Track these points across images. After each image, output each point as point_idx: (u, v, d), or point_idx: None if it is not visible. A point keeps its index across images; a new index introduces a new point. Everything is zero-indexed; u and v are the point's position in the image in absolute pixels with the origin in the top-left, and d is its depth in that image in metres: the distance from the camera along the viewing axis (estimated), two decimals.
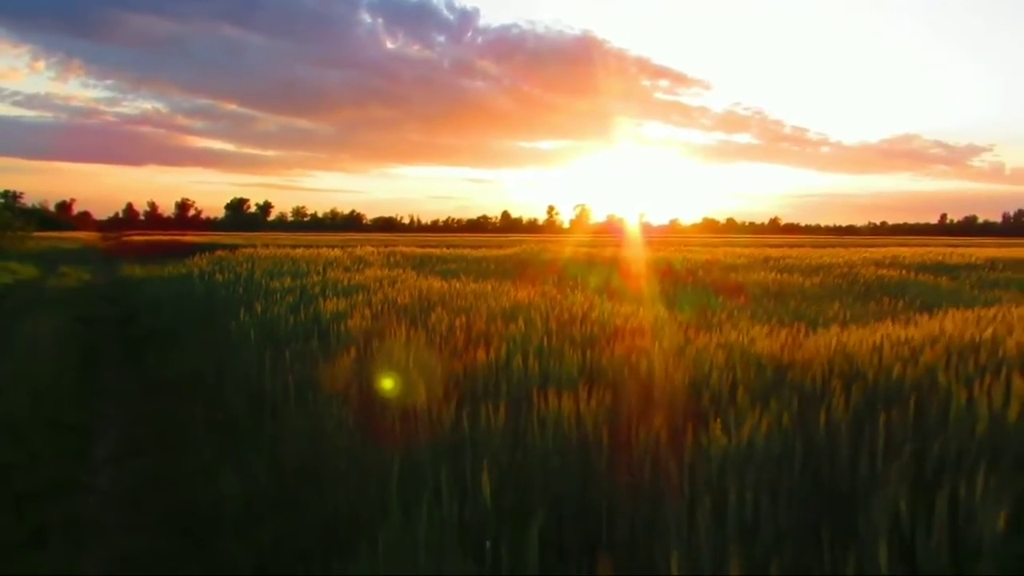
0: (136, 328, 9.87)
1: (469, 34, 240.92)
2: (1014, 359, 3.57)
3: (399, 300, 6.62)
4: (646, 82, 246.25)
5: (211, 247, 19.29)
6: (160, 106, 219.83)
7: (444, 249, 17.15)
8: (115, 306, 12.58)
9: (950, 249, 20.00)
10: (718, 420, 2.58)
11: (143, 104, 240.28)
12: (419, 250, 16.55)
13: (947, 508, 1.98)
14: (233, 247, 17.12)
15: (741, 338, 4.28)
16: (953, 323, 4.93)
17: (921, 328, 4.59)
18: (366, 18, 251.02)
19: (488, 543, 2.20)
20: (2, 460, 4.87)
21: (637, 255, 14.53)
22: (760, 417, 2.71)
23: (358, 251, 14.71)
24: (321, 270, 10.19)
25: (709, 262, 13.14)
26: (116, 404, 6.54)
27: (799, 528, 2.09)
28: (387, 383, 3.71)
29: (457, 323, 5.26)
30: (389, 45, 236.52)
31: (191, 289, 10.28)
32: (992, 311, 5.87)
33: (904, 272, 11.60)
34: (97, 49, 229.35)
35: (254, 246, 16.70)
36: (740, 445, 2.51)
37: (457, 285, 7.96)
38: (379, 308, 6.19)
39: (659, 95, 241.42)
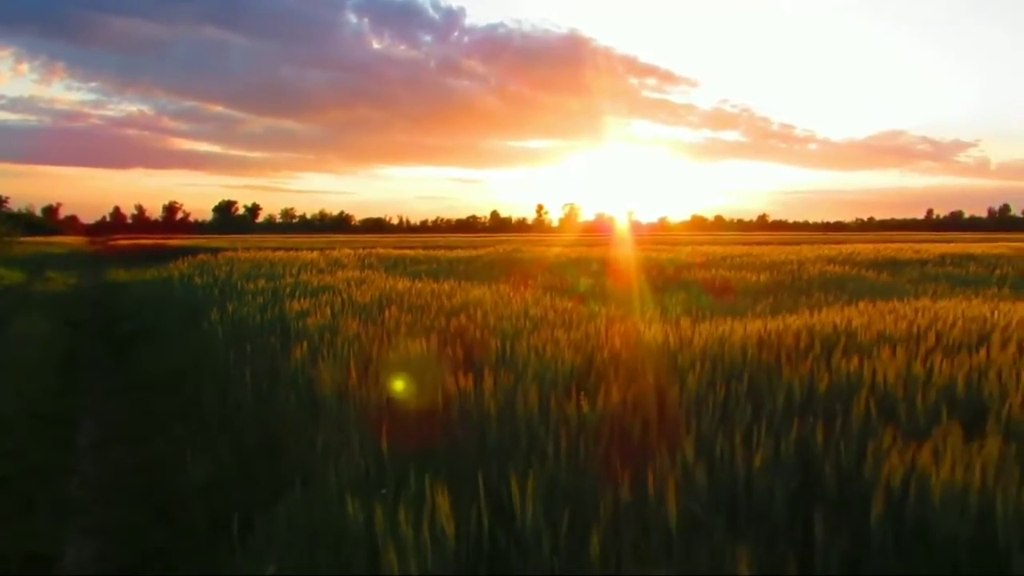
0: (120, 329, 10.40)
1: (455, 34, 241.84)
2: (864, 343, 4.20)
3: (359, 300, 7.18)
4: (633, 80, 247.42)
5: (195, 251, 19.82)
6: (145, 108, 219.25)
7: (420, 250, 17.73)
8: (100, 309, 13.12)
9: (909, 245, 20.68)
10: (582, 393, 3.18)
11: (128, 107, 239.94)
12: (395, 251, 17.13)
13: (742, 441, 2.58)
14: (216, 250, 17.66)
15: (649, 328, 4.87)
16: (849, 315, 5.54)
17: (811, 318, 5.20)
18: (351, 18, 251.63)
19: (384, 491, 2.78)
20: None
21: (601, 254, 15.14)
22: (627, 389, 3.31)
23: (335, 253, 15.28)
24: (295, 272, 10.74)
25: (671, 260, 13.77)
26: (99, 399, 7.09)
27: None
28: (325, 371, 4.29)
29: (405, 319, 5.84)
30: (375, 45, 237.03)
31: (171, 292, 10.83)
32: (898, 304, 6.52)
33: (850, 268, 12.24)
34: (80, 52, 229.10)
35: (235, 249, 17.21)
36: (598, 410, 3.11)
37: (419, 285, 8.54)
38: (339, 307, 6.76)
39: (646, 93, 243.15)
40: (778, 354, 3.66)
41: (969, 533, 2.10)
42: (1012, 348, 3.76)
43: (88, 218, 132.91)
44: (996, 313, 5.44)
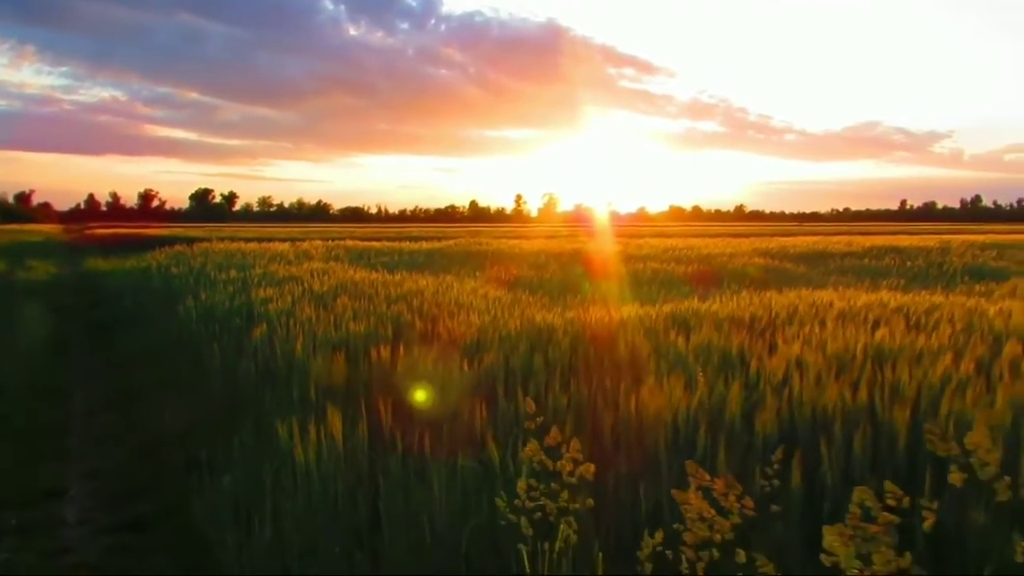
0: (102, 314, 11.39)
1: (432, 21, 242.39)
2: (693, 323, 5.34)
3: (318, 289, 8.23)
4: (612, 70, 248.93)
5: (172, 240, 20.66)
6: (119, 94, 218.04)
7: (385, 243, 18.76)
8: (83, 296, 14.10)
9: (847, 238, 22.00)
10: (465, 359, 4.28)
11: (101, 92, 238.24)
12: (362, 243, 18.19)
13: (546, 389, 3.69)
14: (193, 240, 18.58)
15: (544, 313, 5.99)
16: (722, 302, 6.70)
17: (682, 305, 6.35)
18: (328, 5, 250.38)
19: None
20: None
21: (555, 247, 16.24)
22: (497, 353, 4.43)
23: (304, 245, 16.28)
24: (264, 263, 11.75)
25: (617, 253, 14.92)
26: (88, 373, 8.10)
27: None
28: (278, 346, 5.37)
29: (353, 305, 6.91)
30: (352, 32, 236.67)
31: (150, 281, 11.84)
32: (785, 293, 7.66)
33: (775, 261, 13.46)
34: (51, 36, 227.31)
35: (211, 240, 18.13)
36: (477, 369, 4.22)
37: (374, 276, 9.61)
38: (299, 295, 7.81)
39: (624, 83, 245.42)
40: (615, 332, 4.79)
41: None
42: (809, 327, 4.90)
43: (62, 205, 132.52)
44: (845, 300, 6.61)
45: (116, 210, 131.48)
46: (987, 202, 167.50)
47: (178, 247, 16.42)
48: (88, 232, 47.51)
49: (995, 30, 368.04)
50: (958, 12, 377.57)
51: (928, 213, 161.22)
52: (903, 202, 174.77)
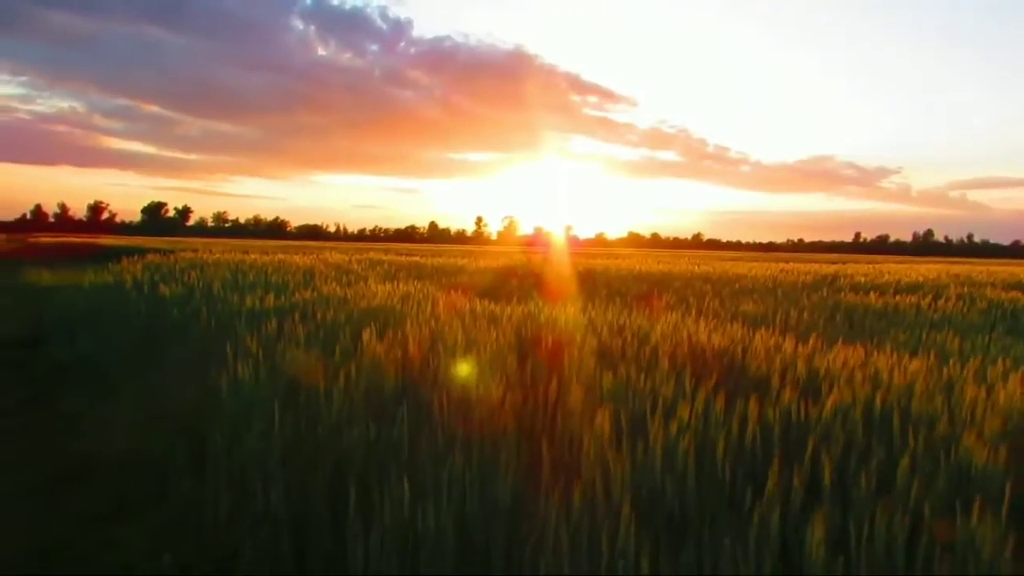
0: (43, 361, 7.08)
1: (402, 44, 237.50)
2: None
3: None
4: (575, 97, 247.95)
5: (127, 251, 16.57)
6: (77, 105, 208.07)
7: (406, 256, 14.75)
8: (14, 325, 9.59)
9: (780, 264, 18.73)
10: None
11: (59, 103, 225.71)
12: (385, 256, 14.17)
13: None
14: (148, 252, 14.47)
15: None
16: None
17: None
18: (298, 24, 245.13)
19: None
20: None
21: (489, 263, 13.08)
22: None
23: (329, 257, 12.10)
24: (302, 284, 7.60)
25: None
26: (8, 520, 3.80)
27: None
28: None
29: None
30: (320, 52, 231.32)
31: (125, 304, 7.45)
32: None
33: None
34: (10, 44, 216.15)
35: (195, 250, 13.83)
36: None
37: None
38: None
39: (587, 111, 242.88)
40: None
41: None
42: None
43: (7, 215, 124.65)
44: None
45: (64, 221, 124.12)
46: (939, 236, 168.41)
47: (151, 257, 12.07)
48: (32, 241, 42.63)
49: (940, 70, 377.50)
50: (905, 54, 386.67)
51: (881, 246, 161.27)
52: (857, 234, 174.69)
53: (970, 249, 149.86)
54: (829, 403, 2.92)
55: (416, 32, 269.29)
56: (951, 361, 4.20)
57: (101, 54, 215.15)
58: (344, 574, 2.24)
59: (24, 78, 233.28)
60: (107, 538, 3.16)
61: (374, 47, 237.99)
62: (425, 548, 2.14)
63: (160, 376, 5.00)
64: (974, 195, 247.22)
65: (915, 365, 3.93)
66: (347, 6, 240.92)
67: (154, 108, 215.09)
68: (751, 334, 4.68)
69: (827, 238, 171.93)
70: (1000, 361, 4.44)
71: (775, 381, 3.34)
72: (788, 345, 4.04)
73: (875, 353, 4.41)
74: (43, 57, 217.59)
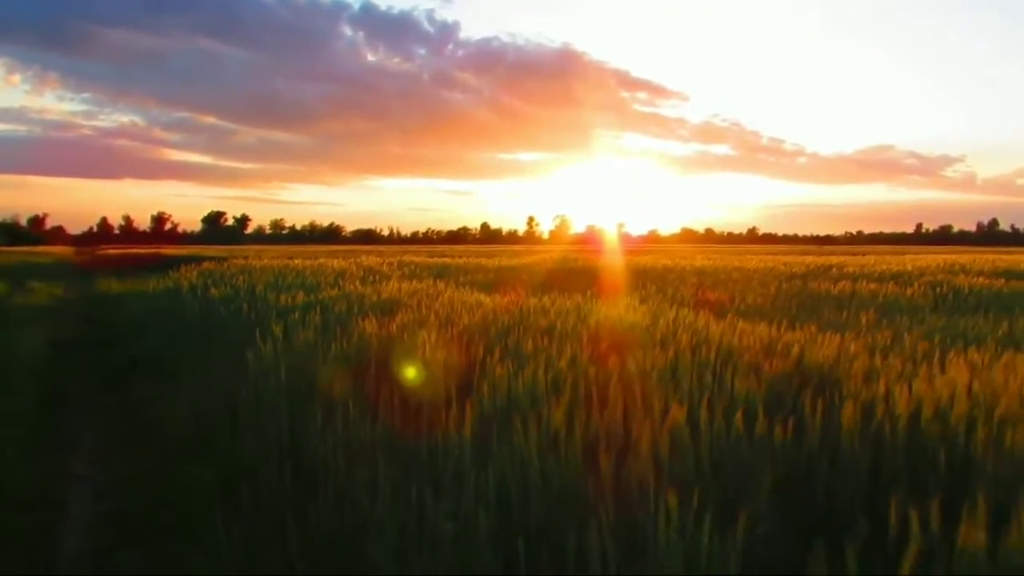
0: (117, 354, 8.40)
1: (450, 47, 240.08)
2: None
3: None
4: (625, 94, 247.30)
5: (189, 260, 17.71)
6: (138, 119, 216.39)
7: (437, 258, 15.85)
8: (91, 327, 11.07)
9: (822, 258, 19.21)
10: None
11: (120, 117, 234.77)
12: (416, 259, 15.34)
13: None
14: (206, 260, 15.70)
15: None
16: None
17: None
18: (347, 31, 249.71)
19: None
20: None
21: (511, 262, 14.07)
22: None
23: (363, 261, 13.35)
24: (333, 283, 8.79)
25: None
26: (89, 474, 5.02)
27: None
28: None
29: None
30: (370, 58, 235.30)
31: (182, 307, 8.78)
32: None
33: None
34: (74, 63, 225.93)
35: (247, 257, 15.21)
36: None
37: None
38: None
39: (637, 107, 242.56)
40: None
41: None
42: None
43: (75, 229, 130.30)
44: None
45: (128, 233, 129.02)
46: (1004, 226, 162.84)
47: (207, 264, 13.47)
48: (100, 253, 45.10)
49: (1003, 56, 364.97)
50: (969, 39, 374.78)
51: (944, 236, 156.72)
52: (919, 225, 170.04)
53: None
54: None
55: (463, 34, 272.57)
56: (846, 334, 5.17)
57: (159, 69, 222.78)
58: (313, 462, 3.34)
59: (87, 95, 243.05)
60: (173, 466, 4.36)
61: (422, 51, 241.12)
62: (363, 454, 3.23)
63: (209, 361, 6.20)
64: None
65: (802, 336, 4.88)
66: (395, 11, 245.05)
67: (211, 119, 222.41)
68: (692, 316, 5.67)
69: (888, 229, 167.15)
70: (888, 332, 5.38)
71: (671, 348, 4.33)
72: (700, 322, 5.02)
73: (791, 331, 5.36)
74: (104, 74, 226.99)
